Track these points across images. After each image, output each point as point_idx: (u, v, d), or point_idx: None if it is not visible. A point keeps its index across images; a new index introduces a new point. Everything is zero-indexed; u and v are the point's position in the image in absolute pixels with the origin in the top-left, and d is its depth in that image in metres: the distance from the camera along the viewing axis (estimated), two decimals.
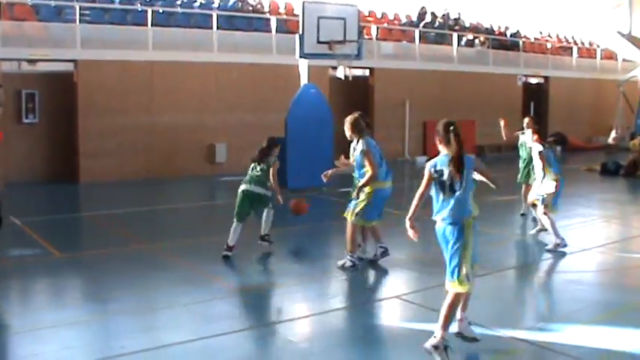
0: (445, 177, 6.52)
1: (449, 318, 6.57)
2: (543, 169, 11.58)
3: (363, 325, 7.97)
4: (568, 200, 14.19)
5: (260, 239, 11.26)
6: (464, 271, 6.51)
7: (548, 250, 11.40)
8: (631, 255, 11.62)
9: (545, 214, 11.46)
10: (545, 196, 11.51)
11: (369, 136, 10.00)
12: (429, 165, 6.64)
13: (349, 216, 10.00)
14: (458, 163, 6.47)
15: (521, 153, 14.11)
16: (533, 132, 12.44)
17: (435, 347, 6.45)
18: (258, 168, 10.83)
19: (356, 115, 10.05)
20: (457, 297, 6.59)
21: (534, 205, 12.00)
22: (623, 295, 9.42)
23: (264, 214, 11.18)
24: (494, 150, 28.04)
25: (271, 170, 10.75)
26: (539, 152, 11.66)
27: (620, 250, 11.91)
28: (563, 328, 7.65)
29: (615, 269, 10.79)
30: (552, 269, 11.05)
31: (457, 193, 6.48)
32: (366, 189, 9.83)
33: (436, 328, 6.53)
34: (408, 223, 6.70)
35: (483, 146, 28.00)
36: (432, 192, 6.63)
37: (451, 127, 6.55)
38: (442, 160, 6.60)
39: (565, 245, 11.33)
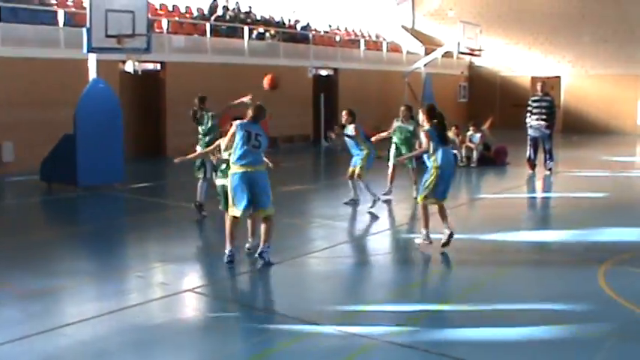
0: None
1: None
2: (360, 144, 14.48)
3: (158, 320, 8.01)
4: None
5: None
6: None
7: (370, 208, 14.05)
8: (418, 235, 12.18)
9: (358, 177, 14.51)
10: (360, 165, 14.43)
11: (251, 122, 9.93)
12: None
13: None
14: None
15: (395, 139, 15.71)
16: (348, 114, 14.91)
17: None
18: None
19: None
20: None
21: (355, 176, 14.60)
22: (408, 273, 10.30)
23: None
24: (286, 141, 28.60)
25: None
26: (356, 129, 14.50)
27: (408, 232, 12.80)
28: (358, 310, 8.14)
29: (404, 248, 11.73)
30: (350, 253, 11.71)
31: None
32: None
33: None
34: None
35: (276, 137, 28.48)
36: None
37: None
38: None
39: (378, 199, 14.30)
